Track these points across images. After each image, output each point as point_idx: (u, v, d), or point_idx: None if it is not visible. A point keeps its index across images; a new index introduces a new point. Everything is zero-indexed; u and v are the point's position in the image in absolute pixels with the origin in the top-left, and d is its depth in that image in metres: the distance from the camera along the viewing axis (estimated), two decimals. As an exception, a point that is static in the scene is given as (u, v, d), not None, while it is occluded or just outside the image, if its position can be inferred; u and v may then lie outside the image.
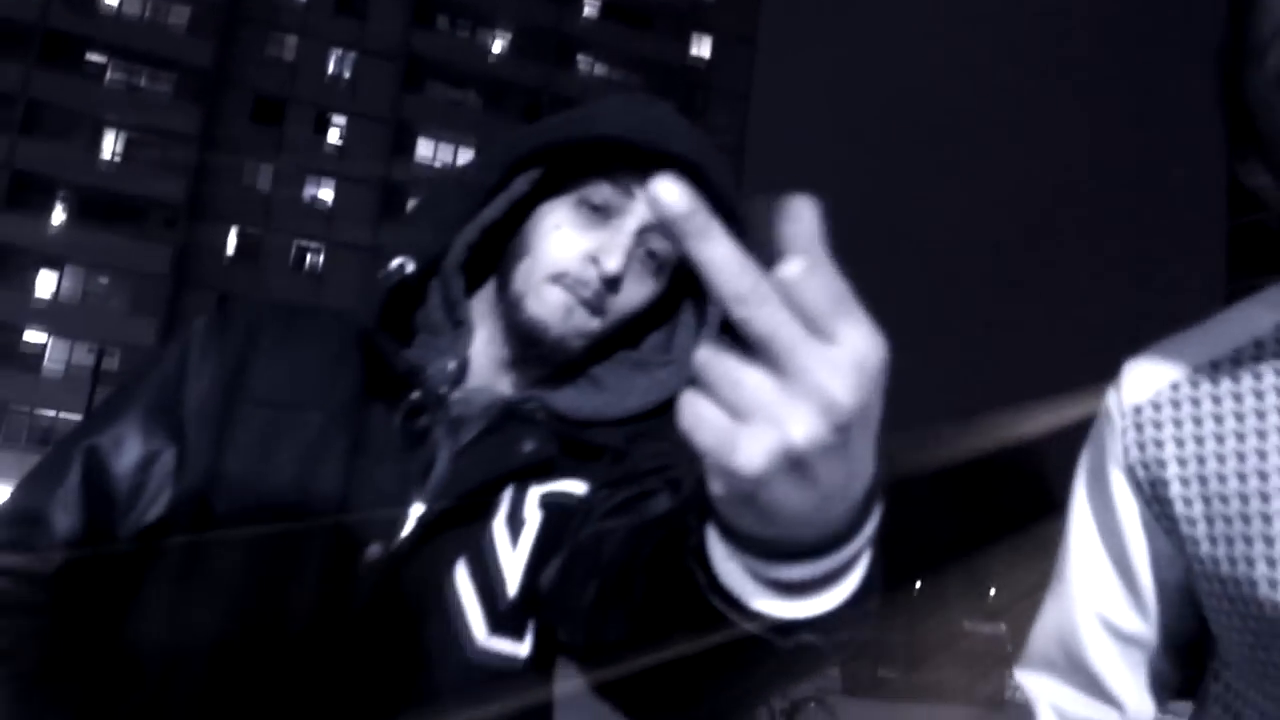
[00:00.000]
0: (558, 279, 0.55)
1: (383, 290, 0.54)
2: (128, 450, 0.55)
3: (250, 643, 0.50)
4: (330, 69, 25.40)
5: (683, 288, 0.62)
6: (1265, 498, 0.47)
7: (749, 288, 0.21)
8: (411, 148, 25.82)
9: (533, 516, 0.54)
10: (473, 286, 0.61)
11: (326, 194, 25.04)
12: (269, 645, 0.50)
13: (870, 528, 0.28)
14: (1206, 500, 0.50)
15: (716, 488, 0.24)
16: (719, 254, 0.21)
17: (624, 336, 0.61)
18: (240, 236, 24.34)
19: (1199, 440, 0.51)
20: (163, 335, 21.89)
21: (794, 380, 0.20)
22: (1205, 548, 0.50)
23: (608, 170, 0.56)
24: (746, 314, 0.21)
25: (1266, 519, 0.46)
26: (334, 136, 25.34)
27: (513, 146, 0.60)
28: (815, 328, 0.20)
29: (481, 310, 0.61)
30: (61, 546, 0.53)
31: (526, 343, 0.57)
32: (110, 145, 24.10)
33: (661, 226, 0.47)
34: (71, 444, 0.57)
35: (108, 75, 24.02)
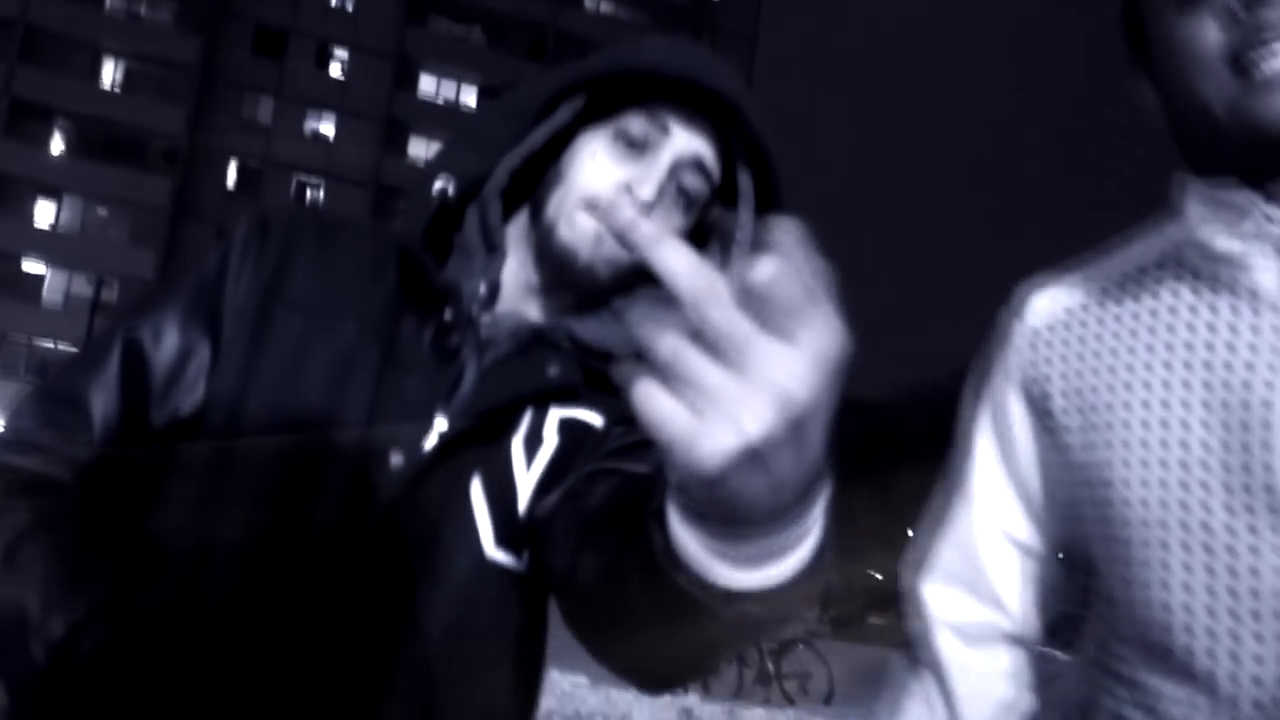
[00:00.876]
0: (590, 207, 0.56)
1: (429, 209, 0.55)
2: (166, 343, 0.56)
3: (273, 542, 0.52)
4: (333, 1, 24.98)
5: (711, 231, 0.63)
6: (1129, 406, 0.51)
7: (704, 288, 0.22)
8: (414, 83, 25.27)
9: (550, 439, 0.56)
10: (507, 212, 0.61)
11: (328, 128, 24.57)
12: (292, 545, 0.51)
13: (819, 507, 0.29)
14: (1081, 411, 0.54)
15: (675, 475, 0.26)
16: (672, 258, 0.23)
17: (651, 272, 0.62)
18: (240, 169, 24.06)
19: (1081, 358, 0.55)
20: (162, 267, 21.81)
21: (751, 378, 0.22)
22: (1078, 455, 0.54)
23: (646, 104, 0.56)
24: (702, 314, 0.22)
25: (1128, 425, 0.50)
26: (335, 70, 24.80)
27: (557, 76, 0.60)
28: (775, 327, 0.21)
29: (514, 236, 0.62)
30: (96, 430, 0.54)
31: (556, 269, 0.58)
32: (110, 74, 23.85)
33: (695, 163, 0.56)
34: (112, 333, 0.58)
35: (107, 2, 23.63)
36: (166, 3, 23.90)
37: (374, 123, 24.16)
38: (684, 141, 0.56)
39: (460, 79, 25.07)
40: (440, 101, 24.89)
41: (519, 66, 23.98)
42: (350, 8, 24.71)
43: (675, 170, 0.56)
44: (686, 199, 0.58)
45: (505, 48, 25.60)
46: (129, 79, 23.55)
